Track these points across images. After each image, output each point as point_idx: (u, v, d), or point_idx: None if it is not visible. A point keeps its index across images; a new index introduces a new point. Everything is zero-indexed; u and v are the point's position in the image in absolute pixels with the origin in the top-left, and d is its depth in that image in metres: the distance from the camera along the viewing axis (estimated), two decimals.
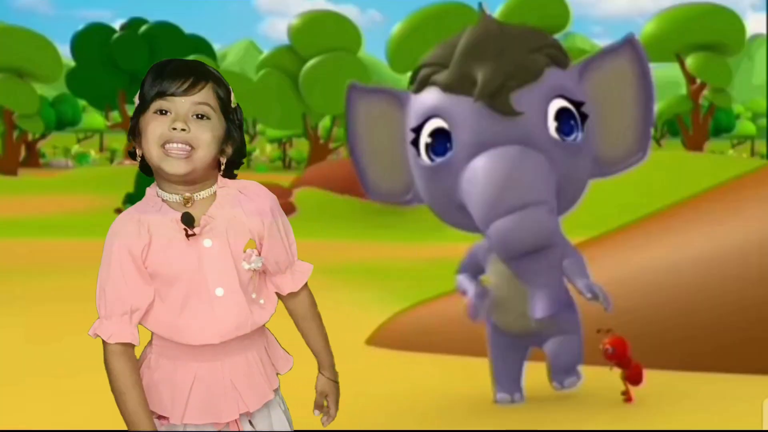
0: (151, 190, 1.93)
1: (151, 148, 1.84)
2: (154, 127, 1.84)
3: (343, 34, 30.55)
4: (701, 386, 4.45)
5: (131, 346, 1.89)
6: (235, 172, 1.98)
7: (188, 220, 1.87)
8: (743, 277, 4.84)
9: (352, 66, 28.22)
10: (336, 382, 2.13)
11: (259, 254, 1.94)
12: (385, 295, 7.41)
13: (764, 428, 3.31)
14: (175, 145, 1.83)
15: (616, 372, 4.17)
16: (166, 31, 32.21)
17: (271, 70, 30.66)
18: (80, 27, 31.97)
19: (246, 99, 28.84)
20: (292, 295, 2.06)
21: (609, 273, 4.81)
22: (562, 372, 4.18)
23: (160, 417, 1.92)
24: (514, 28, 4.22)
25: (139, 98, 1.87)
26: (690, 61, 28.75)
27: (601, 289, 3.93)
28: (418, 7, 27.92)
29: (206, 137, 1.85)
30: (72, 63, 31.80)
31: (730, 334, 4.74)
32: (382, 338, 5.69)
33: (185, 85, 1.84)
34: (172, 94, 1.84)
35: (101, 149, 46.63)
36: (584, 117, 4.01)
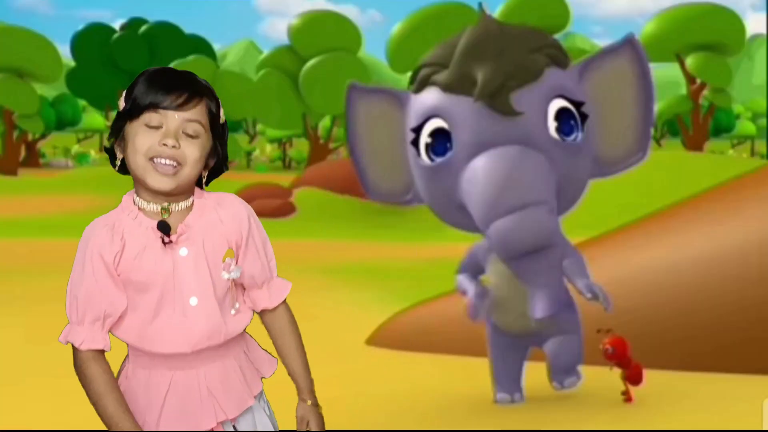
0: (128, 198, 1.90)
1: (137, 159, 1.82)
2: (144, 139, 1.82)
3: (343, 34, 30.58)
4: (701, 386, 4.45)
5: (103, 352, 1.88)
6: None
7: (164, 228, 1.85)
8: (743, 277, 4.84)
9: (352, 66, 28.24)
10: (317, 407, 2.04)
11: (237, 264, 1.92)
12: (385, 295, 7.41)
13: (764, 428, 3.31)
14: (163, 161, 1.81)
15: (616, 372, 4.17)
16: (166, 31, 32.25)
17: (271, 70, 30.68)
18: (80, 27, 32.05)
19: (246, 99, 28.90)
20: (270, 311, 2.01)
21: (609, 273, 4.81)
22: (562, 372, 4.18)
23: None
24: (514, 28, 4.22)
25: (128, 102, 1.84)
26: (690, 61, 28.77)
27: (601, 289, 3.92)
28: (418, 7, 27.96)
29: (194, 156, 1.84)
30: (72, 63, 31.85)
31: (730, 334, 4.74)
32: (382, 338, 5.69)
33: (179, 100, 1.82)
34: (165, 108, 1.82)
35: (101, 149, 46.60)
36: (584, 117, 4.01)
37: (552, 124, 3.94)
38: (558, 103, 3.94)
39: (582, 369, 4.21)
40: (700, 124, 30.68)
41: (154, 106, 1.81)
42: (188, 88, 1.84)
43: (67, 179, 23.80)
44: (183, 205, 1.89)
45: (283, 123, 32.43)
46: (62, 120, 39.73)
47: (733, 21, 28.57)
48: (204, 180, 1.93)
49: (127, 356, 1.96)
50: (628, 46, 4.13)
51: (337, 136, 32.34)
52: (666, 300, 4.95)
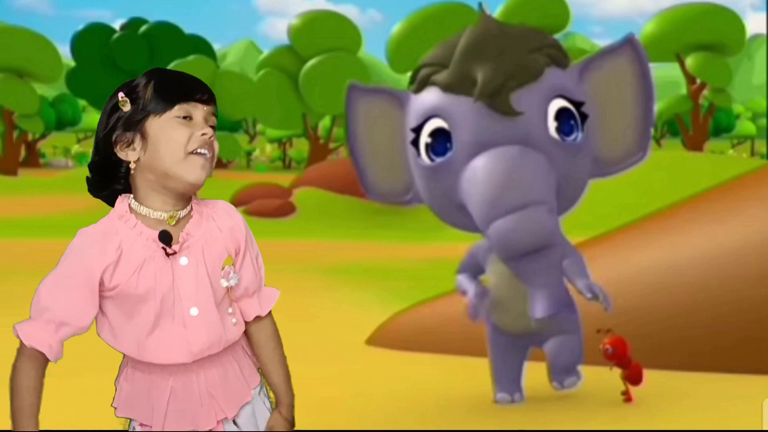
0: (122, 204, 1.85)
1: (174, 154, 1.78)
2: (181, 132, 1.78)
3: (343, 34, 30.58)
4: (701, 386, 4.45)
5: (45, 359, 1.85)
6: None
7: (166, 239, 1.81)
8: (743, 277, 4.84)
9: (352, 66, 28.24)
10: (292, 423, 1.99)
11: (235, 272, 1.90)
12: (385, 295, 7.41)
13: (764, 428, 3.31)
14: (203, 150, 1.80)
15: (616, 372, 4.17)
16: (166, 31, 32.26)
17: (271, 70, 30.69)
18: (80, 27, 32.05)
19: (246, 99, 28.92)
20: (256, 320, 1.98)
21: (609, 273, 4.81)
22: (562, 372, 4.18)
23: (143, 424, 1.90)
24: (514, 28, 4.22)
25: (143, 100, 1.79)
26: (690, 61, 28.77)
27: (601, 289, 3.92)
28: (418, 7, 27.97)
29: (217, 146, 1.85)
30: (72, 63, 31.84)
31: (729, 334, 4.74)
32: (382, 338, 5.69)
33: (205, 96, 1.82)
34: (197, 100, 1.81)
35: None
36: (584, 117, 4.01)
37: (552, 124, 3.94)
38: (558, 103, 3.94)
39: (582, 369, 4.21)
40: (700, 124, 30.69)
41: (186, 99, 1.80)
42: (205, 85, 1.85)
43: (67, 179, 23.79)
44: (184, 212, 1.86)
45: (283, 123, 32.43)
46: (62, 120, 39.76)
47: (733, 21, 28.59)
48: None
49: (125, 359, 1.94)
50: (628, 46, 4.13)
51: (337, 136, 32.34)
52: (666, 300, 4.95)
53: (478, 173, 3.88)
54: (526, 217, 3.80)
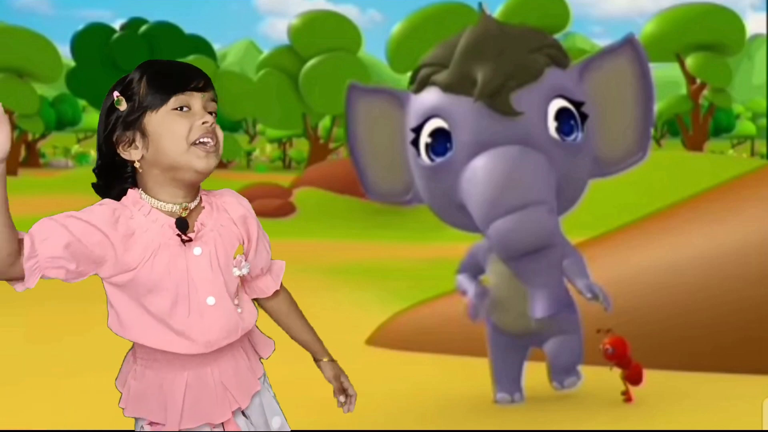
0: (134, 194, 1.82)
1: (177, 147, 1.76)
2: (181, 124, 1.76)
3: (343, 34, 30.57)
4: (701, 386, 4.45)
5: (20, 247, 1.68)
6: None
7: (183, 225, 1.80)
8: (743, 277, 4.84)
9: (352, 66, 28.23)
10: (336, 362, 2.12)
11: (246, 260, 1.91)
12: (385, 295, 7.41)
13: (764, 428, 3.31)
14: (206, 139, 1.78)
15: (616, 372, 4.18)
16: (166, 31, 32.26)
17: (271, 70, 30.68)
18: (80, 27, 32.04)
19: (246, 99, 28.92)
20: (275, 294, 2.04)
21: (609, 273, 4.81)
22: (562, 372, 4.18)
23: (152, 423, 1.88)
24: (514, 28, 4.22)
25: (137, 97, 1.77)
26: (690, 61, 28.76)
27: (601, 289, 3.93)
28: (418, 7, 27.95)
29: (221, 133, 1.83)
30: (72, 63, 31.84)
31: (729, 334, 4.74)
32: (382, 338, 5.69)
33: (201, 81, 1.80)
34: (193, 89, 1.78)
35: None
36: (584, 117, 4.01)
37: (552, 124, 3.94)
38: (558, 103, 3.94)
39: (582, 369, 4.21)
40: (700, 124, 30.68)
41: (182, 89, 1.77)
42: (200, 71, 1.82)
43: (67, 179, 23.80)
44: (194, 203, 1.85)
45: (283, 123, 32.43)
46: (62, 120, 39.75)
47: (733, 21, 28.57)
48: None
49: (132, 357, 1.92)
50: (628, 46, 4.13)
51: (337, 136, 32.33)
52: (666, 300, 4.95)
53: (478, 173, 3.88)
54: (526, 217, 3.80)
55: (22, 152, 34.59)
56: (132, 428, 1.93)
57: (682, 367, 4.68)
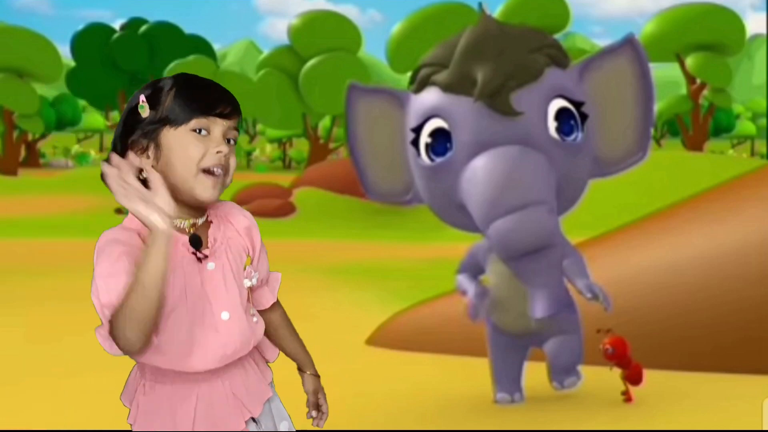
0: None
1: (187, 170, 1.74)
2: (196, 148, 1.74)
3: (343, 34, 30.58)
4: (701, 386, 4.45)
5: None
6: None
7: (197, 243, 1.79)
8: (743, 277, 4.84)
9: (352, 66, 28.24)
10: (319, 378, 2.12)
11: (254, 271, 1.91)
12: (385, 295, 7.41)
13: (764, 428, 3.31)
14: (218, 170, 1.76)
15: (616, 372, 4.18)
16: (166, 31, 32.26)
17: (271, 70, 30.69)
18: (80, 27, 32.05)
19: (246, 99, 28.86)
20: (272, 306, 2.02)
21: (609, 273, 4.81)
22: (562, 372, 4.18)
23: None
24: (514, 28, 4.22)
25: (163, 108, 1.75)
26: (690, 61, 28.77)
27: (601, 289, 3.93)
28: (418, 7, 27.96)
29: (234, 163, 1.82)
30: (72, 63, 31.85)
31: (729, 334, 4.74)
32: (382, 338, 5.69)
33: (228, 108, 1.78)
34: (217, 115, 1.76)
35: (101, 149, 46.62)
36: (584, 117, 4.01)
37: (552, 124, 3.94)
38: (558, 103, 3.94)
39: (582, 369, 4.21)
40: (700, 124, 30.69)
41: (206, 113, 1.75)
42: (231, 97, 1.80)
43: (67, 179, 23.80)
44: (202, 219, 1.84)
45: (283, 123, 32.44)
46: (62, 120, 39.73)
47: (733, 21, 28.58)
48: None
49: (139, 371, 1.88)
50: (628, 46, 4.13)
51: (337, 136, 32.35)
52: (666, 300, 4.95)
53: (478, 173, 3.88)
54: (526, 217, 3.80)
55: (22, 152, 34.57)
56: (131, 429, 1.92)
57: (682, 367, 4.68)
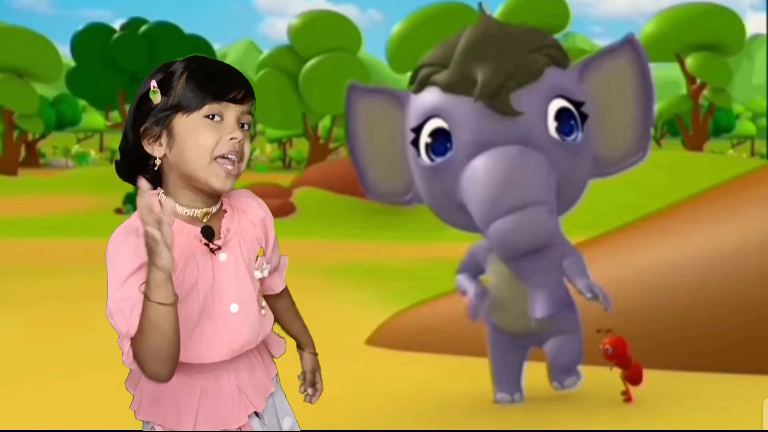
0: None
1: (200, 158, 1.71)
2: (210, 135, 1.71)
3: (343, 34, 30.55)
4: (701, 386, 4.45)
5: None
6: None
7: (209, 234, 1.76)
8: (743, 277, 4.84)
9: (352, 66, 28.22)
10: (317, 357, 2.16)
11: (267, 262, 1.89)
12: (385, 295, 7.41)
13: (764, 428, 3.31)
14: (232, 156, 1.73)
15: (616, 372, 4.18)
16: (166, 31, 32.20)
17: (271, 70, 30.66)
18: (80, 27, 31.96)
19: None
20: (281, 291, 2.03)
21: (609, 273, 4.81)
22: (562, 372, 4.18)
23: (163, 426, 1.85)
24: (514, 28, 4.22)
25: (175, 93, 1.72)
26: (690, 61, 28.77)
27: (601, 289, 3.93)
28: (418, 7, 27.93)
29: (249, 149, 1.78)
30: (72, 63, 31.80)
31: (729, 334, 4.74)
32: (382, 338, 5.69)
33: (242, 93, 1.75)
34: (230, 100, 1.73)
35: (101, 149, 46.67)
36: (584, 117, 4.01)
37: (552, 124, 3.94)
38: (558, 103, 3.94)
39: (582, 369, 4.21)
40: (700, 124, 30.69)
41: (218, 98, 1.72)
42: (244, 80, 1.77)
43: (67, 179, 23.82)
44: (216, 207, 1.81)
45: (283, 123, 32.41)
46: (62, 120, 39.72)
47: (733, 21, 28.57)
48: None
49: None
50: (628, 46, 4.13)
51: (337, 136, 32.34)
52: (666, 300, 4.95)
53: (478, 173, 3.88)
54: (526, 217, 3.80)
55: (22, 152, 34.56)
56: (132, 428, 1.92)
57: (682, 367, 4.68)
